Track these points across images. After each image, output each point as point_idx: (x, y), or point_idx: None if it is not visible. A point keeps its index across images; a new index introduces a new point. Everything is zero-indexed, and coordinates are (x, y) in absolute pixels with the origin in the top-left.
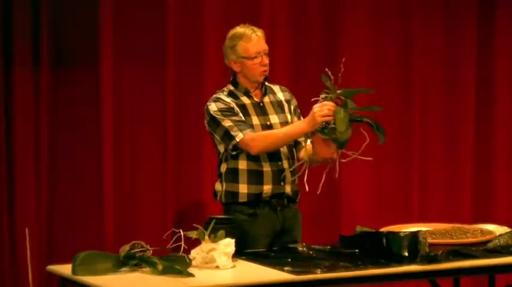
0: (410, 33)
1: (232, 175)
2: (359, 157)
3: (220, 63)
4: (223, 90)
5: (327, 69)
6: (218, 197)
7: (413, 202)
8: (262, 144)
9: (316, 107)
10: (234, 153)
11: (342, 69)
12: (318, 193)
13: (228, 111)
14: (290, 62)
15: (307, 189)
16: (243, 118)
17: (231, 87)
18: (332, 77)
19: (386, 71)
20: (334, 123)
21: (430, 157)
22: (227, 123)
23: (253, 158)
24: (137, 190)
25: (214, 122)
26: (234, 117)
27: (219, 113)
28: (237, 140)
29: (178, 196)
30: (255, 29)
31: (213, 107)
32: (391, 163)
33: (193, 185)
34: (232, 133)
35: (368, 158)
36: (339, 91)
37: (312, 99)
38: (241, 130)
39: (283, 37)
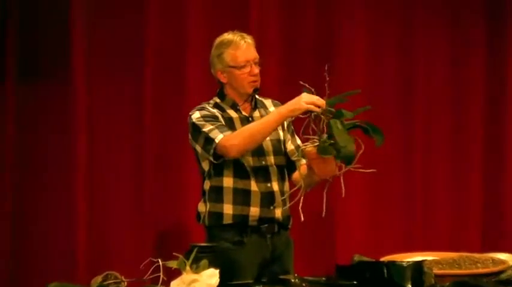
0: (412, 33)
1: (216, 194)
2: (361, 170)
3: (205, 74)
4: (209, 103)
5: (301, 82)
6: (201, 220)
7: (417, 228)
8: (238, 140)
9: (304, 94)
10: (218, 162)
11: (328, 79)
12: (323, 215)
13: (212, 118)
14: (280, 69)
15: (302, 218)
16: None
17: (217, 100)
18: (313, 90)
19: (385, 75)
20: (329, 138)
21: (434, 174)
22: (208, 127)
23: (239, 175)
24: (111, 212)
25: (196, 129)
26: (216, 123)
27: (201, 119)
28: (216, 141)
29: (157, 218)
30: (245, 35)
31: (196, 114)
32: (391, 183)
33: (174, 206)
34: (212, 136)
35: (371, 170)
36: (330, 100)
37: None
38: (221, 131)
39: (273, 42)
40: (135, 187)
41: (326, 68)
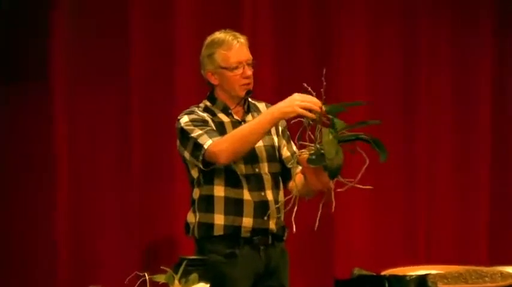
0: (416, 34)
1: (207, 203)
2: (356, 186)
3: (194, 77)
4: (198, 106)
5: (305, 85)
6: (190, 231)
7: (420, 239)
8: (228, 145)
9: (297, 95)
10: (208, 169)
11: (325, 83)
12: (316, 229)
13: (201, 122)
14: (274, 71)
15: (294, 230)
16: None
17: (208, 103)
18: (314, 93)
19: (387, 80)
20: (322, 149)
21: (438, 182)
22: (196, 132)
23: (231, 183)
24: (95, 223)
25: (184, 135)
26: (207, 128)
27: (189, 123)
28: (205, 147)
29: (144, 229)
30: (238, 35)
31: (184, 119)
32: (392, 192)
33: (162, 216)
34: (200, 141)
35: (367, 187)
36: (326, 108)
37: (292, 122)
38: (210, 137)
39: (266, 41)
40: (120, 196)
41: (324, 72)
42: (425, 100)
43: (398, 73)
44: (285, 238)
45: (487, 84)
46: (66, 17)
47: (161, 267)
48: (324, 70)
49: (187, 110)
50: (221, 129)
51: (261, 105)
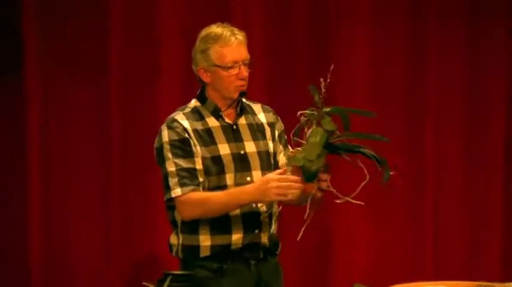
0: (423, 37)
1: (191, 224)
2: (349, 200)
3: (180, 74)
4: (186, 107)
5: (322, 80)
6: (174, 253)
7: (427, 252)
8: (194, 212)
9: (274, 178)
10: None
11: (329, 79)
12: (298, 239)
13: (179, 148)
14: (265, 71)
15: (300, 235)
16: (196, 158)
17: (197, 103)
18: (323, 90)
19: (392, 79)
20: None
21: (446, 191)
22: (171, 167)
23: None
24: (72, 238)
25: (160, 156)
26: (182, 161)
27: (168, 147)
28: (172, 196)
29: (126, 243)
30: (236, 30)
31: (164, 135)
32: (396, 202)
33: (144, 229)
34: (170, 185)
35: (358, 202)
36: (327, 109)
37: (298, 113)
38: (181, 185)
39: (257, 39)
40: (100, 208)
41: (331, 67)
42: (434, 105)
43: (405, 72)
44: (278, 252)
45: (502, 86)
46: (40, 8)
47: (143, 283)
48: (332, 66)
49: (171, 117)
50: (209, 137)
51: (257, 107)
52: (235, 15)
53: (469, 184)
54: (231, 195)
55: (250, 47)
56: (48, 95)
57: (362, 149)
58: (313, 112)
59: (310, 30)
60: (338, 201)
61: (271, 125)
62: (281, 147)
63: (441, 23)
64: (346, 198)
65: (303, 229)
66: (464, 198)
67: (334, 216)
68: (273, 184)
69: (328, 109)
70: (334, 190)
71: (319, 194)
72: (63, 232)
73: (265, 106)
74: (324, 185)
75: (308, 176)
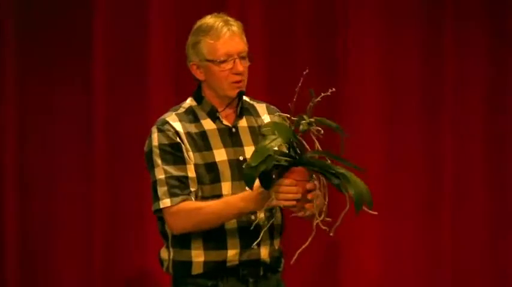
0: (440, 28)
1: (182, 238)
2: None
3: (173, 71)
4: (180, 107)
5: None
6: (165, 268)
7: (445, 269)
8: (184, 225)
9: (281, 183)
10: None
11: (331, 90)
12: (292, 263)
13: (170, 154)
14: (265, 69)
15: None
16: (188, 165)
17: (193, 103)
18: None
19: (405, 78)
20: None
21: (467, 203)
22: (160, 174)
23: None
24: (51, 253)
25: (149, 162)
26: (172, 168)
27: (158, 151)
28: (160, 206)
29: (112, 259)
30: (230, 20)
31: (154, 138)
32: (411, 214)
33: (132, 244)
34: (159, 194)
35: (330, 234)
36: (313, 119)
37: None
38: (171, 195)
39: (256, 29)
40: (82, 217)
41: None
42: (451, 105)
43: (420, 72)
44: (281, 269)
45: None
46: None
47: None
48: (332, 89)
49: (162, 118)
50: (203, 141)
51: (261, 108)
52: (232, 7)
53: (490, 188)
54: (227, 203)
55: (249, 39)
56: (26, 96)
57: (331, 171)
58: (301, 119)
59: (314, 26)
60: (325, 228)
61: None
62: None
63: (459, 17)
64: (330, 232)
65: (298, 252)
66: (485, 203)
67: (341, 228)
68: (279, 188)
69: (311, 119)
70: (318, 220)
71: (300, 214)
72: (42, 245)
73: (271, 107)
74: (286, 203)
75: (245, 180)
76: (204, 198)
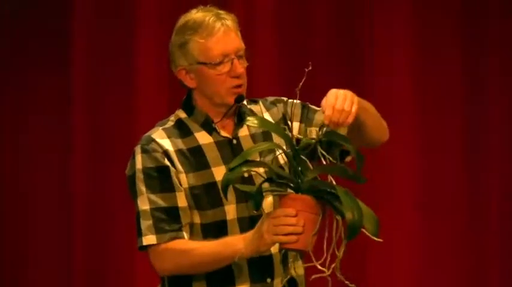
0: (480, 41)
1: (182, 275)
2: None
3: (159, 78)
4: (168, 121)
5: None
6: None
7: None
8: (170, 266)
9: (270, 215)
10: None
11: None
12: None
13: (156, 180)
14: (276, 70)
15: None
16: (178, 193)
17: (182, 115)
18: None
19: (441, 98)
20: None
21: None
22: (144, 204)
23: (213, 235)
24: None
25: (132, 188)
26: (159, 198)
27: (142, 177)
28: (143, 243)
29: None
30: (222, 14)
31: (137, 160)
32: (450, 232)
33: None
34: (142, 227)
35: (378, 240)
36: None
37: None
38: (157, 230)
39: (266, 21)
40: (59, 255)
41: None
42: (497, 122)
43: (459, 74)
44: None
45: None
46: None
47: None
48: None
49: (147, 136)
50: (199, 157)
51: (258, 108)
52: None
53: None
54: (225, 245)
55: (256, 45)
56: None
57: (326, 196)
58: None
59: (335, 26)
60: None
61: (283, 120)
62: (313, 131)
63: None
64: (326, 272)
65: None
66: None
67: (368, 252)
68: (266, 227)
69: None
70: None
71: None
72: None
73: (267, 100)
74: (283, 239)
75: (223, 190)
76: (205, 225)
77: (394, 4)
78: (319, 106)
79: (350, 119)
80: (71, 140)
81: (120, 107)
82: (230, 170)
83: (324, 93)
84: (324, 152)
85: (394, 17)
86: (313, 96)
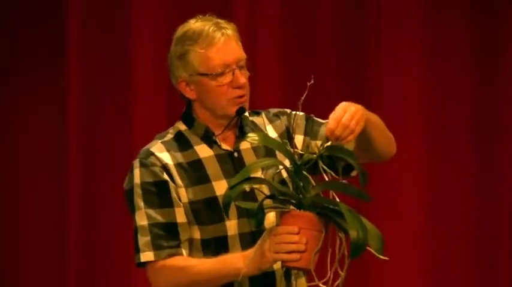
0: (490, 41)
1: None
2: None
3: (157, 79)
4: (167, 133)
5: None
6: None
7: None
8: (167, 283)
9: (271, 233)
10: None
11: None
12: None
13: (154, 195)
14: (279, 74)
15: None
16: (177, 209)
17: (182, 127)
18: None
19: (453, 104)
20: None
21: None
22: (142, 220)
23: (212, 252)
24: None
25: (130, 203)
26: (158, 213)
27: (140, 191)
28: (141, 260)
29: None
30: (222, 23)
31: (136, 175)
32: (460, 243)
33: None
34: (139, 243)
35: (384, 258)
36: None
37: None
38: (155, 247)
39: (269, 39)
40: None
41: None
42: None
43: (473, 79)
44: None
45: None
46: None
47: None
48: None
49: (146, 149)
50: (199, 171)
51: (260, 120)
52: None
53: None
54: (225, 263)
55: (259, 50)
56: None
57: (330, 214)
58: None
59: (340, 28)
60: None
61: (285, 135)
62: (318, 144)
63: None
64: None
65: None
66: None
67: (372, 269)
68: (267, 246)
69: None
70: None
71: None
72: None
73: (269, 112)
74: (284, 257)
75: (224, 207)
76: (205, 241)
77: (402, 3)
78: (322, 108)
79: (351, 138)
80: (68, 141)
81: (117, 108)
82: (231, 187)
83: (330, 96)
84: (325, 167)
85: (401, 16)
86: (319, 98)
